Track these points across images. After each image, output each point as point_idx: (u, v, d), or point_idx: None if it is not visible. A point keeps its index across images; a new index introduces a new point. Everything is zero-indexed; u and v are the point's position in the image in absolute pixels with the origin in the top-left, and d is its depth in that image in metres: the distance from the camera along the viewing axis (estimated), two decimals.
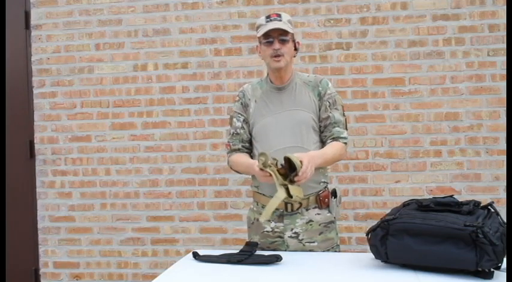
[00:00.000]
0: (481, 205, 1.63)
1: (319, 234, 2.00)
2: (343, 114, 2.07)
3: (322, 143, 2.05)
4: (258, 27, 2.00)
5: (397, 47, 3.17)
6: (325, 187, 2.06)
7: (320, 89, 2.04)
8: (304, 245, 1.99)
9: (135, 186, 3.38)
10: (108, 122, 3.41)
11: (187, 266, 1.80)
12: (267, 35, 1.95)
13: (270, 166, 1.76)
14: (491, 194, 3.08)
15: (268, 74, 2.11)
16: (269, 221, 2.01)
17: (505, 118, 3.08)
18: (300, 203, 1.96)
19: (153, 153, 3.37)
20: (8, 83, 3.48)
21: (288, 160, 1.76)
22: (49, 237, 3.46)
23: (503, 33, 3.08)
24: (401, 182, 3.16)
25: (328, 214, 2.03)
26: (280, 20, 1.95)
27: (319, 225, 2.01)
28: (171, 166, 3.35)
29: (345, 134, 2.04)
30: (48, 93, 3.47)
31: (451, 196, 1.68)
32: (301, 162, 1.75)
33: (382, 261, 1.67)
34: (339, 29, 3.21)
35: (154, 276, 2.10)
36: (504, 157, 3.07)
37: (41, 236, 3.47)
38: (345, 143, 2.05)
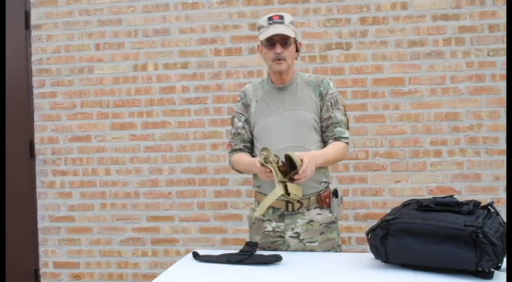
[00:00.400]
0: (481, 205, 1.63)
1: (320, 234, 2.00)
2: (345, 114, 2.07)
3: (324, 143, 2.06)
4: (259, 28, 2.00)
5: (397, 47, 3.17)
6: (327, 187, 2.06)
7: (321, 89, 2.05)
8: (305, 245, 1.99)
9: (135, 186, 3.38)
10: (108, 122, 3.41)
11: (187, 266, 1.80)
12: (269, 38, 1.95)
13: (271, 162, 1.77)
14: (491, 194, 3.08)
15: (269, 74, 2.12)
16: (270, 220, 2.01)
17: (505, 118, 3.08)
18: (301, 203, 1.96)
19: (153, 153, 3.37)
20: (8, 83, 3.48)
21: (288, 158, 1.76)
22: (49, 237, 3.46)
23: (503, 33, 3.08)
24: (401, 182, 3.16)
25: (329, 214, 2.03)
26: (283, 22, 1.95)
27: (320, 225, 2.01)
28: (171, 166, 3.35)
29: (346, 134, 2.05)
30: (48, 93, 3.47)
31: (451, 196, 1.68)
32: (301, 160, 1.76)
33: (382, 261, 1.67)
34: (339, 29, 3.21)
35: (154, 276, 2.10)
36: (504, 157, 3.07)
37: (41, 236, 3.47)
38: (347, 143, 2.05)
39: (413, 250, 1.55)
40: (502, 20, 3.09)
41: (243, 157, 2.08)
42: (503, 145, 3.09)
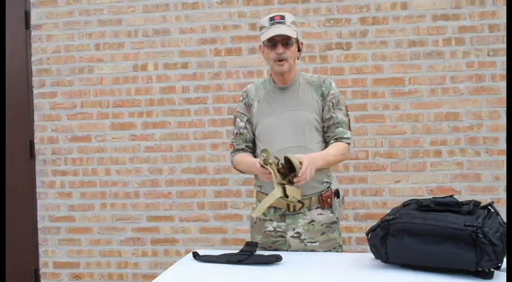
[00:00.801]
0: (481, 205, 1.63)
1: (321, 235, 2.00)
2: (347, 115, 2.07)
3: (326, 143, 2.06)
4: (261, 29, 2.00)
5: (397, 47, 3.17)
6: (328, 187, 2.06)
7: (323, 89, 2.05)
8: (306, 245, 1.99)
9: (135, 186, 3.38)
10: (108, 122, 3.41)
11: (187, 266, 1.80)
12: (270, 38, 1.95)
13: (271, 164, 1.77)
14: (491, 194, 3.08)
15: (271, 74, 2.12)
16: (271, 220, 2.02)
17: (505, 118, 3.08)
18: (303, 203, 1.96)
19: (153, 153, 3.37)
20: (8, 83, 3.48)
21: (288, 160, 1.76)
22: (49, 237, 3.46)
23: (503, 33, 3.08)
24: (401, 182, 3.16)
25: (331, 214, 2.03)
26: (284, 23, 1.95)
27: (321, 225, 2.01)
28: (171, 166, 3.35)
29: (348, 134, 2.05)
30: (48, 93, 3.47)
31: (451, 196, 1.68)
32: (300, 163, 1.75)
33: (382, 261, 1.67)
34: (339, 29, 3.21)
35: (154, 276, 2.09)
36: (504, 157, 3.07)
37: (41, 236, 3.47)
38: (348, 144, 2.05)
39: (413, 250, 1.55)
40: (502, 20, 3.09)
41: (245, 157, 2.08)
42: (503, 145, 3.09)
